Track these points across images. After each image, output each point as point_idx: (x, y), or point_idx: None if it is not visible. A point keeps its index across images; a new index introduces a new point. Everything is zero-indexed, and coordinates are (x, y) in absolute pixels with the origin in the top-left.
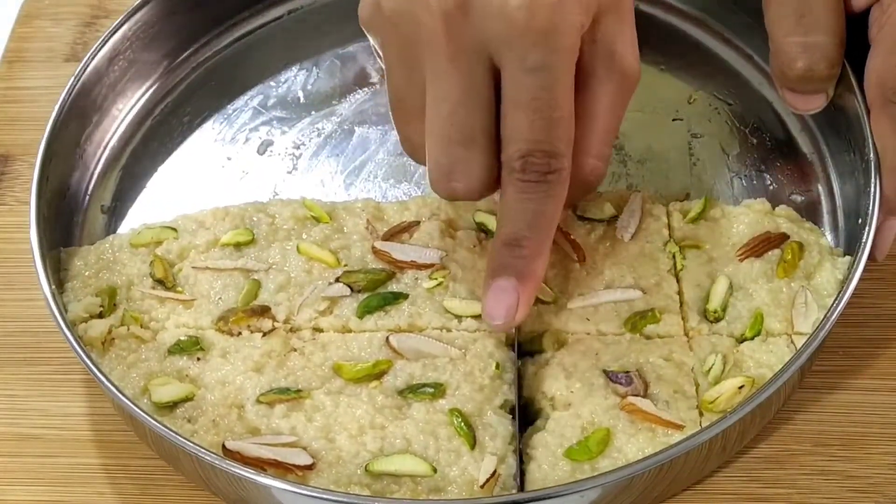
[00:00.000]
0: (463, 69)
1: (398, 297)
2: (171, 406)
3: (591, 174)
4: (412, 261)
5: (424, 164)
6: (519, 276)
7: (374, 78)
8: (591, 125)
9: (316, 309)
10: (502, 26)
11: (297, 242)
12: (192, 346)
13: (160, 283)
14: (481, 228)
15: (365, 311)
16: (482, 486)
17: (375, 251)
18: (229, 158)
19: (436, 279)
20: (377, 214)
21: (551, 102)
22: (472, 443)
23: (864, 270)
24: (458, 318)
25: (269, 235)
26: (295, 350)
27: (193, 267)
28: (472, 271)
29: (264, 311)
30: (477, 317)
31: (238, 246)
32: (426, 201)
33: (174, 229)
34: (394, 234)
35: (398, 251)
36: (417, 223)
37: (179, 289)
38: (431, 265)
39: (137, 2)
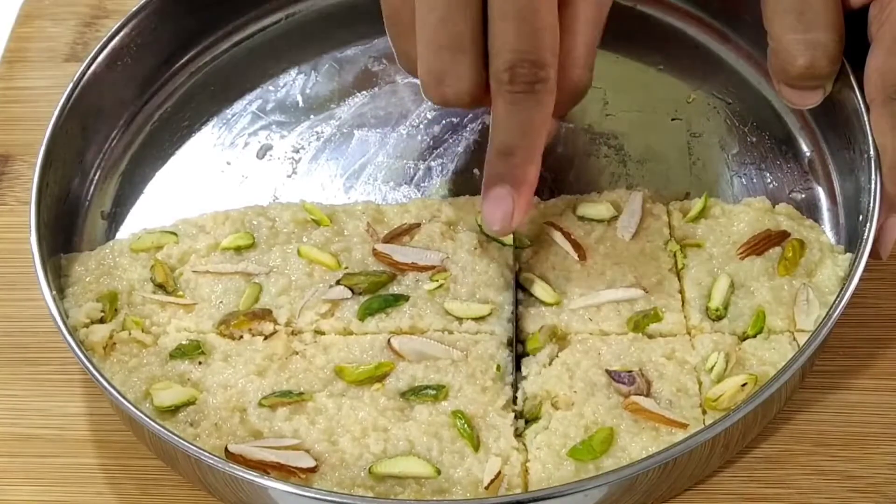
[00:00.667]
0: None
1: (399, 300)
2: (174, 410)
3: (579, 83)
4: (413, 263)
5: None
6: (513, 182)
7: (373, 81)
8: (576, 38)
9: (317, 312)
10: None
11: (297, 245)
12: (193, 350)
13: (161, 287)
14: (483, 231)
15: (366, 313)
16: (487, 487)
17: (376, 253)
18: (229, 163)
19: (436, 281)
20: (377, 217)
21: (535, 13)
22: (476, 444)
23: (865, 270)
24: (459, 319)
25: (270, 239)
26: (297, 353)
27: (194, 271)
28: (473, 273)
29: (265, 314)
30: (478, 319)
31: (238, 250)
32: (426, 203)
33: (174, 234)
34: (394, 237)
35: (399, 253)
36: (418, 225)
37: (180, 293)
38: (432, 267)
39: (136, 5)
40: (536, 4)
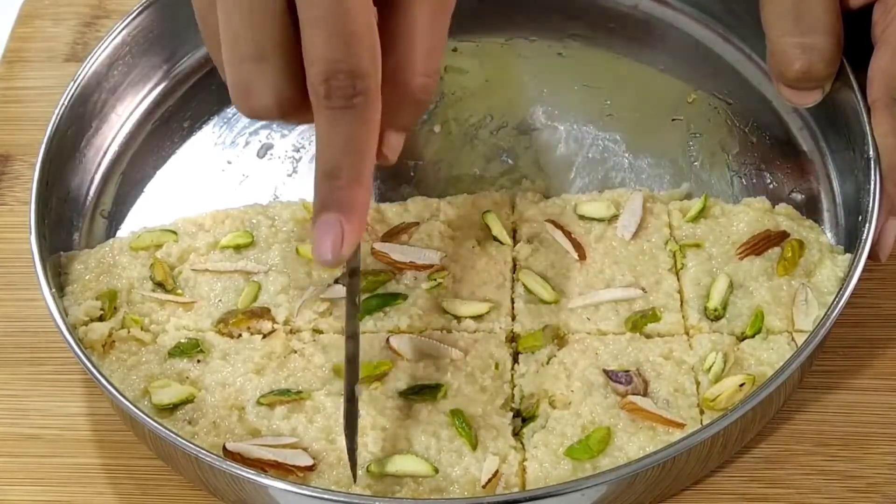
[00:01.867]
0: None
1: (397, 298)
2: (172, 408)
3: (420, 92)
4: (411, 262)
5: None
6: (340, 208)
7: None
8: (413, 43)
9: (315, 310)
10: None
11: (296, 244)
12: (192, 349)
13: (160, 285)
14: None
15: (364, 312)
16: (484, 486)
17: (374, 252)
18: (229, 162)
19: (435, 280)
20: (377, 216)
21: (346, 15)
22: (474, 443)
23: (864, 270)
24: (458, 318)
25: (269, 237)
26: (295, 352)
27: (193, 269)
28: (472, 272)
29: (264, 312)
30: (477, 317)
31: (238, 248)
32: (426, 203)
33: (174, 232)
34: (393, 235)
35: (397, 252)
36: (416, 224)
37: (179, 291)
38: (430, 266)
39: (136, 5)
40: (347, 5)
